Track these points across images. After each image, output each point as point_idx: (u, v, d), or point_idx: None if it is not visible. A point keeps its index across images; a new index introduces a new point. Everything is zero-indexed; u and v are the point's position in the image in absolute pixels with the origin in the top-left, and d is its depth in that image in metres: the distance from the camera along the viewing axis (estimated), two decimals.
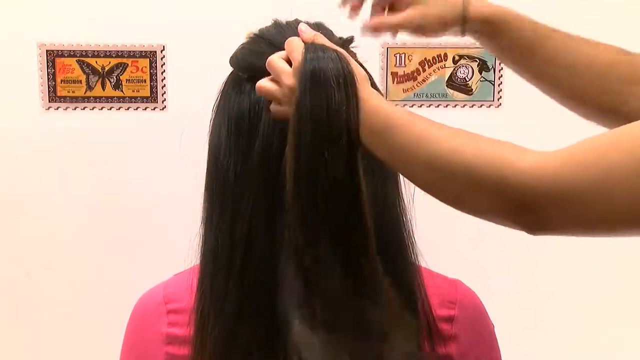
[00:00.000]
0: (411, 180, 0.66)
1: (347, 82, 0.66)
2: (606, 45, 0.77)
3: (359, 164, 0.66)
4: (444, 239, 0.64)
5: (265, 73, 0.71)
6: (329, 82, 0.65)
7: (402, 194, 0.75)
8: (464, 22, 0.75)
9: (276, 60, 0.69)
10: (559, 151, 0.57)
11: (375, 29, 0.79)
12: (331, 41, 0.70)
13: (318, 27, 0.75)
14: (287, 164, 0.66)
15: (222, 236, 0.72)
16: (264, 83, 0.70)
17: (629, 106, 0.74)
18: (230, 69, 0.78)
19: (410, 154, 0.63)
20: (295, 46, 0.69)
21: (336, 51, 0.68)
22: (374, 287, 0.66)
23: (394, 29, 0.78)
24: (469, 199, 0.61)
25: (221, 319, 0.70)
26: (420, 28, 0.76)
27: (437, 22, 0.75)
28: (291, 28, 0.75)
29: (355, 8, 0.81)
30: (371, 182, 0.71)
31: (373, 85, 0.72)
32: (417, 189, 0.67)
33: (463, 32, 0.76)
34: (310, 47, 0.68)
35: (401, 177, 0.75)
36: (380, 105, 0.66)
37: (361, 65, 0.74)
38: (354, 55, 0.76)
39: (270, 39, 0.74)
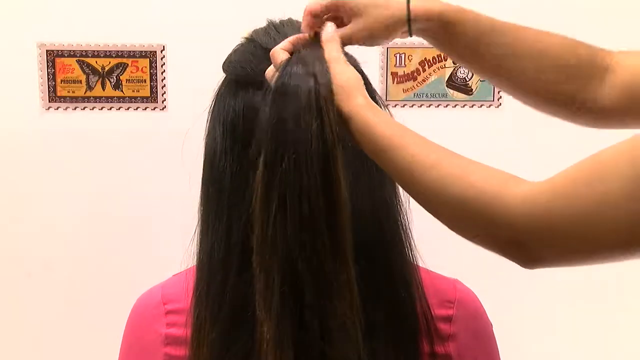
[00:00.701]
0: (411, 196, 0.66)
1: (317, 99, 0.65)
2: (561, 38, 0.75)
3: (339, 185, 0.65)
4: (442, 239, 0.64)
5: (254, 78, 0.72)
6: (297, 100, 0.65)
7: (399, 194, 0.75)
8: (409, 24, 0.71)
9: (268, 74, 0.70)
10: (548, 183, 0.57)
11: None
12: None
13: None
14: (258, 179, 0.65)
15: (217, 239, 0.72)
16: (268, 72, 0.70)
17: (585, 101, 0.74)
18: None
19: (404, 180, 0.64)
20: (274, 60, 0.69)
21: (317, 65, 0.67)
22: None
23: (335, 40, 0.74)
24: (462, 230, 0.62)
25: (217, 322, 0.70)
26: (367, 39, 0.72)
27: (383, 29, 0.71)
28: (283, 29, 0.75)
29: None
30: (367, 184, 0.71)
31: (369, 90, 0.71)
32: None
33: (410, 34, 0.73)
34: (286, 64, 0.67)
35: None
36: (370, 122, 0.64)
37: (359, 69, 0.73)
38: (349, 58, 0.74)
39: (260, 43, 0.75)
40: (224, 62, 0.77)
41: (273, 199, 0.64)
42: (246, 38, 0.77)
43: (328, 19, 0.72)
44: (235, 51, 0.77)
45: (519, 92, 0.78)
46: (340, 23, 0.72)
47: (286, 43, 0.70)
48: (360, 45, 0.72)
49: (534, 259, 0.59)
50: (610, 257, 0.56)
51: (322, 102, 0.65)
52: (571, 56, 0.74)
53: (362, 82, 0.68)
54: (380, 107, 0.75)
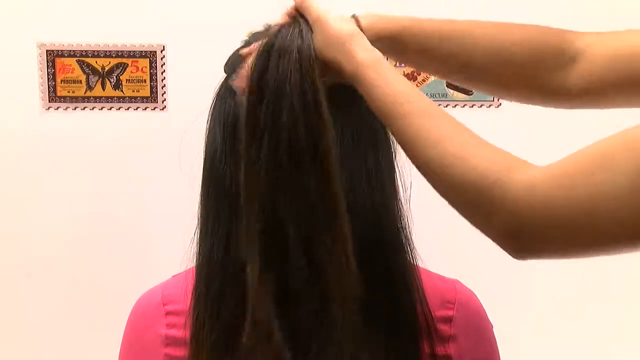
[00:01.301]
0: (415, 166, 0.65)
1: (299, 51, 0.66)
2: (521, 28, 0.74)
3: (323, 121, 0.65)
4: (442, 240, 0.64)
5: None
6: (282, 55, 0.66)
7: (399, 195, 0.75)
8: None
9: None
10: (551, 169, 0.56)
11: None
12: None
13: None
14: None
15: (217, 241, 0.72)
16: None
17: (557, 87, 0.73)
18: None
19: (408, 151, 0.63)
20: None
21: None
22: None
23: None
24: (461, 211, 0.61)
25: (216, 324, 0.70)
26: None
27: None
28: None
29: None
30: (367, 185, 0.71)
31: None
32: (414, 191, 0.67)
33: None
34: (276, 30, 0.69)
35: (399, 178, 0.75)
36: (372, 86, 0.63)
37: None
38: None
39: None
40: (226, 63, 0.77)
41: (256, 137, 0.65)
42: (248, 39, 0.77)
43: None
44: (234, 53, 0.77)
45: (498, 90, 0.77)
46: None
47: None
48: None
49: (529, 249, 0.58)
50: (613, 250, 0.55)
51: (304, 56, 0.65)
52: (535, 45, 0.73)
53: (361, 33, 0.67)
54: None
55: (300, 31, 0.67)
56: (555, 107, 0.77)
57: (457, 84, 0.80)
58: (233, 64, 0.75)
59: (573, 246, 0.56)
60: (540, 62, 0.72)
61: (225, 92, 0.76)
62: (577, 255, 0.57)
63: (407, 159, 0.64)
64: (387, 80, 0.63)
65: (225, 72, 0.77)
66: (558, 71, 0.72)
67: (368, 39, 0.67)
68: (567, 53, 0.72)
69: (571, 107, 0.77)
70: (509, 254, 0.59)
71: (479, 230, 0.60)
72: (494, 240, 0.59)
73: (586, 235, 0.55)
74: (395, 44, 0.70)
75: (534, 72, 0.73)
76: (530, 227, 0.56)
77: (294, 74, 0.65)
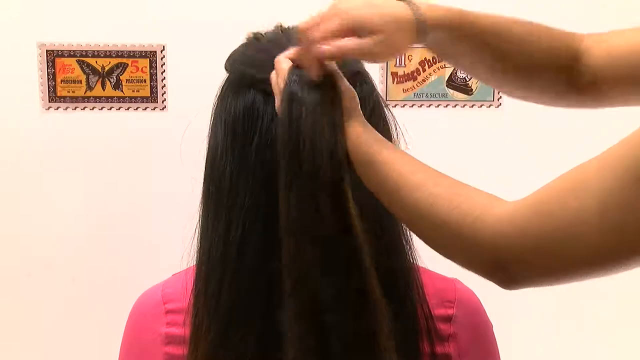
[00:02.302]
0: (395, 214, 0.66)
1: (326, 109, 0.66)
2: (548, 30, 0.75)
3: (347, 192, 0.65)
4: None
5: (257, 79, 0.72)
6: (305, 111, 0.66)
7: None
8: (421, 38, 0.68)
9: (272, 80, 0.70)
10: (526, 200, 0.56)
11: (336, 54, 0.69)
12: None
13: None
14: (280, 192, 0.66)
15: (216, 239, 0.72)
16: (272, 76, 0.71)
17: (565, 84, 0.74)
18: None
19: (390, 198, 0.64)
20: (279, 70, 0.69)
21: (322, 76, 0.67)
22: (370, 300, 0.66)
23: (353, 55, 0.70)
24: (446, 251, 0.62)
25: (214, 322, 0.70)
26: (386, 55, 0.70)
27: (398, 51, 0.69)
28: (288, 34, 0.76)
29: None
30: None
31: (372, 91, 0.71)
32: None
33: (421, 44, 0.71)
34: (292, 73, 0.68)
35: None
36: (361, 136, 0.65)
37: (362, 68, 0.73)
38: (351, 60, 0.74)
39: (267, 46, 0.75)
40: (227, 61, 0.77)
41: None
42: (251, 38, 0.77)
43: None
44: (238, 50, 0.77)
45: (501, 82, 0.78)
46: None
47: (292, 52, 0.70)
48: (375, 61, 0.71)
49: (515, 280, 0.59)
50: (590, 275, 0.55)
51: (337, 118, 0.66)
52: (556, 47, 0.74)
53: (357, 97, 0.69)
54: (383, 107, 0.76)
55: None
56: (562, 107, 0.79)
57: (485, 79, 0.80)
58: (237, 64, 0.75)
59: (555, 273, 0.57)
60: (557, 64, 0.74)
61: (227, 91, 0.75)
62: (562, 281, 0.58)
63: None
64: (372, 135, 0.66)
65: (226, 69, 0.77)
66: (568, 71, 0.73)
67: (428, 23, 0.68)
68: (576, 53, 0.73)
69: (577, 107, 0.78)
70: (500, 286, 0.60)
71: (463, 268, 0.61)
72: (483, 275, 0.60)
73: (564, 262, 0.55)
74: (454, 31, 0.70)
75: (550, 65, 0.74)
76: (510, 257, 0.57)
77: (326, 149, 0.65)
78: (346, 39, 0.66)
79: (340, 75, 0.69)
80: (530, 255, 0.56)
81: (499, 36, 0.72)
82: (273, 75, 0.70)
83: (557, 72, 0.74)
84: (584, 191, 0.53)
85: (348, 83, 0.69)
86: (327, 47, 0.66)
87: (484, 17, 0.72)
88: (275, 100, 0.69)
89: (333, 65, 0.69)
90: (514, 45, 0.72)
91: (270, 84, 0.71)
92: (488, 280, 0.60)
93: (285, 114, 0.66)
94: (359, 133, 0.66)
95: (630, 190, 0.50)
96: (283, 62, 0.69)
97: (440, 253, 0.62)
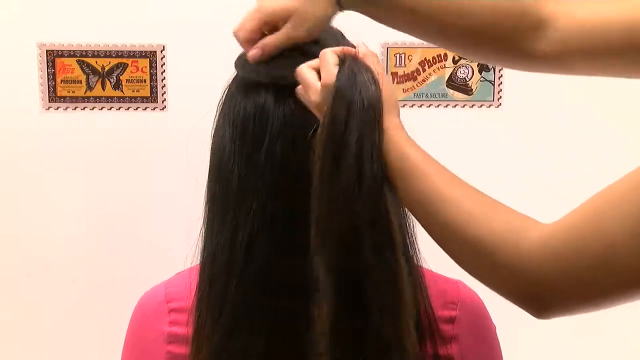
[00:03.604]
0: (424, 228, 0.65)
1: (375, 112, 0.64)
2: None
3: (387, 195, 0.64)
4: None
5: (268, 79, 0.71)
6: (356, 111, 0.64)
7: (388, 197, 0.74)
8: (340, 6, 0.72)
9: (305, 71, 0.69)
10: (560, 225, 0.55)
11: (261, 53, 0.72)
12: (340, 45, 0.70)
13: (327, 29, 0.75)
14: (314, 189, 0.65)
15: (222, 241, 0.71)
16: (299, 90, 0.70)
17: (526, 49, 0.74)
18: (233, 69, 0.77)
19: (423, 210, 0.63)
20: (327, 61, 0.67)
21: (371, 73, 0.66)
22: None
23: (278, 47, 0.73)
24: (476, 273, 0.61)
25: (218, 325, 0.70)
26: (306, 36, 0.72)
27: (319, 22, 0.72)
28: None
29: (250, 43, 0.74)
30: None
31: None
32: None
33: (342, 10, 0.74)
34: (344, 69, 0.66)
35: None
36: (401, 144, 0.64)
37: None
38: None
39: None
40: (238, 59, 0.76)
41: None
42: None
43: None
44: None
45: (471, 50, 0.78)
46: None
47: (338, 49, 0.69)
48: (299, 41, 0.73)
49: (549, 308, 0.58)
50: (627, 299, 0.54)
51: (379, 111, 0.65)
52: (510, 9, 0.73)
53: (396, 96, 0.68)
54: None
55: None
56: (524, 70, 0.79)
57: (435, 42, 0.80)
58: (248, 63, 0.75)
59: (591, 299, 0.56)
60: (513, 25, 0.73)
61: (235, 90, 0.74)
62: (599, 308, 0.57)
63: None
64: (412, 143, 0.65)
65: (235, 67, 0.76)
66: (528, 35, 0.73)
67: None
68: (535, 18, 0.73)
69: (539, 71, 0.78)
70: (532, 315, 0.59)
71: (496, 292, 0.60)
72: (514, 302, 0.59)
73: (601, 287, 0.54)
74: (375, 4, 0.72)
75: (507, 35, 0.74)
76: (545, 285, 0.56)
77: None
78: (268, 36, 0.72)
79: (383, 73, 0.68)
80: (567, 283, 0.55)
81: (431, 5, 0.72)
82: (304, 68, 0.69)
83: (511, 35, 0.74)
84: (614, 216, 0.52)
85: (390, 83, 0.68)
86: (252, 52, 0.72)
87: None
88: (306, 90, 0.68)
89: (378, 62, 0.69)
90: (454, 15, 0.73)
91: (282, 83, 0.71)
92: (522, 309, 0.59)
93: (335, 110, 0.64)
94: (398, 136, 0.65)
95: None
96: (329, 54, 0.68)
97: (470, 273, 0.61)
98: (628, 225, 0.51)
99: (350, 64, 0.67)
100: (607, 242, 0.52)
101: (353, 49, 0.69)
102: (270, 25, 0.73)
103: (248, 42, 0.73)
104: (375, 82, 0.66)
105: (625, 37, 0.67)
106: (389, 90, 0.67)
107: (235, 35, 0.74)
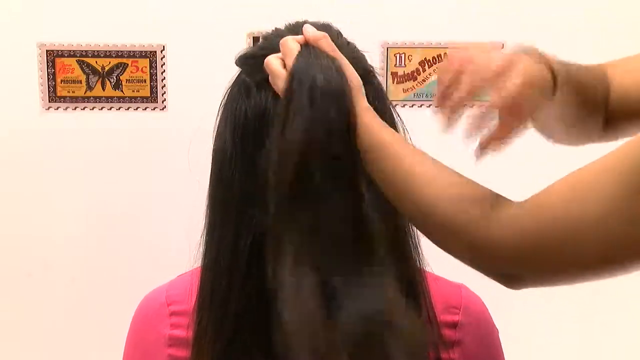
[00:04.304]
0: (399, 209, 0.65)
1: (336, 94, 0.65)
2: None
3: (358, 176, 0.65)
4: None
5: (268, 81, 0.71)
6: (315, 93, 0.64)
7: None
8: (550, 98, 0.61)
9: (272, 61, 0.69)
10: (529, 203, 0.56)
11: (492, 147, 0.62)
12: (336, 43, 0.70)
13: (325, 28, 0.74)
14: (274, 174, 0.65)
15: (224, 245, 0.71)
16: (270, 80, 0.69)
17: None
18: (234, 69, 0.77)
19: (395, 189, 0.63)
20: (288, 49, 0.68)
21: (331, 58, 0.66)
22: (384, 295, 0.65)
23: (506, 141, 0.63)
24: (449, 249, 0.62)
25: (219, 330, 0.69)
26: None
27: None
28: (298, 31, 0.74)
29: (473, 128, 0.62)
30: (375, 188, 0.70)
31: (372, 92, 0.70)
32: None
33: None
34: (302, 53, 0.66)
35: None
36: (371, 124, 0.65)
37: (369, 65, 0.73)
38: (362, 57, 0.74)
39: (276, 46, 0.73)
40: (239, 59, 0.76)
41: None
42: (263, 37, 0.76)
43: None
44: (251, 49, 0.76)
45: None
46: None
47: (299, 37, 0.69)
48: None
49: (518, 281, 0.60)
50: (592, 278, 0.56)
51: (348, 98, 0.65)
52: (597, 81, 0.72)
53: (362, 84, 0.68)
54: (390, 107, 0.75)
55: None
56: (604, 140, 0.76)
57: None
58: (250, 62, 0.74)
59: (557, 276, 0.58)
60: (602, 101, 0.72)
61: (236, 93, 0.74)
62: (565, 283, 0.58)
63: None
64: (384, 126, 0.65)
65: (237, 65, 0.76)
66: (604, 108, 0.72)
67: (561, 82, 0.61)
68: (608, 86, 0.72)
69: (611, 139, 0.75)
70: (502, 285, 0.60)
71: (468, 267, 0.61)
72: (485, 274, 0.60)
73: (568, 266, 0.56)
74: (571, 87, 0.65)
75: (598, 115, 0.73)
76: (514, 260, 0.57)
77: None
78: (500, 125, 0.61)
79: (345, 60, 0.68)
80: (534, 259, 0.56)
81: (586, 87, 0.69)
82: (271, 58, 0.69)
83: (600, 112, 0.72)
84: (586, 197, 0.53)
85: (353, 69, 0.68)
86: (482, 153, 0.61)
87: (575, 68, 0.67)
88: (274, 80, 0.68)
89: (335, 49, 0.68)
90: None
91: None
92: (492, 280, 0.60)
93: (295, 95, 0.65)
94: (369, 119, 0.65)
95: (631, 201, 0.50)
96: (291, 42, 0.68)
97: (445, 251, 0.62)
98: (599, 207, 0.51)
99: (310, 49, 0.67)
100: (576, 223, 0.53)
101: (313, 36, 0.69)
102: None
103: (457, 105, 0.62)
104: (335, 65, 0.66)
105: None
106: (353, 73, 0.67)
107: (441, 84, 0.62)
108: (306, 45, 0.68)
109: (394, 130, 0.66)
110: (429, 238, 0.63)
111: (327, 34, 0.69)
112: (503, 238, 0.56)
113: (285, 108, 0.65)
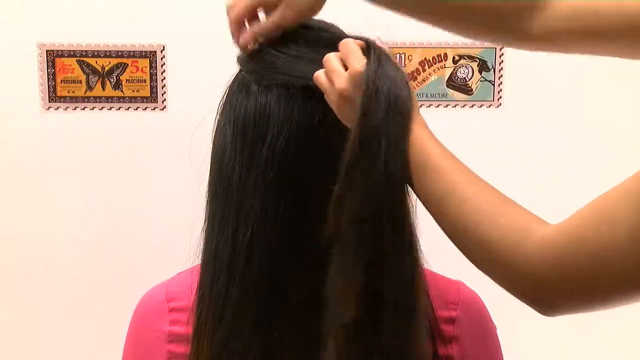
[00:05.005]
0: (438, 224, 0.65)
1: (407, 110, 0.65)
2: None
3: (407, 196, 0.65)
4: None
5: (272, 77, 0.71)
6: (391, 107, 0.64)
7: (407, 195, 0.74)
8: None
9: (332, 59, 0.68)
10: (563, 227, 0.56)
11: (250, 40, 0.74)
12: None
13: (331, 27, 0.75)
14: (340, 177, 0.64)
15: (223, 241, 0.71)
16: (322, 76, 0.69)
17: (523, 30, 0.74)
18: (234, 69, 0.77)
19: (438, 207, 0.63)
20: (352, 49, 0.67)
21: (396, 65, 0.66)
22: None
23: (270, 30, 0.74)
24: (484, 269, 0.61)
25: (219, 324, 0.70)
26: (297, 18, 0.72)
27: (299, 8, 0.72)
28: (310, 30, 0.75)
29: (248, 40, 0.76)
30: None
31: None
32: None
33: None
34: (375, 58, 0.66)
35: None
36: (424, 140, 0.64)
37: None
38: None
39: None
40: (240, 56, 0.76)
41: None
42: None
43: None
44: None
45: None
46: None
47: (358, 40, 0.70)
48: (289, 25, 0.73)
49: (553, 307, 0.59)
50: (626, 301, 0.55)
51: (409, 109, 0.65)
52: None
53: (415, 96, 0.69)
54: None
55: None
56: (518, 48, 0.79)
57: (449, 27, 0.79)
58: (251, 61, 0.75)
59: (593, 300, 0.57)
60: (515, 7, 0.73)
61: (237, 89, 0.74)
62: (601, 308, 0.57)
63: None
64: (434, 140, 0.65)
65: (238, 63, 0.76)
66: (527, 17, 0.73)
67: None
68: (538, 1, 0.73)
69: (536, 50, 0.78)
70: (537, 311, 0.60)
71: (505, 290, 0.61)
72: (519, 299, 0.60)
73: (601, 289, 0.55)
74: None
75: (508, 17, 0.74)
76: (548, 285, 0.57)
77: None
78: (256, 23, 0.74)
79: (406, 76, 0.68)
80: (568, 283, 0.56)
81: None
82: (331, 55, 0.68)
83: (510, 12, 0.74)
84: (614, 219, 0.52)
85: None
86: (242, 40, 0.74)
87: None
88: (331, 76, 0.67)
89: (396, 62, 0.68)
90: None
91: (283, 82, 0.70)
92: (529, 307, 0.60)
93: (367, 107, 0.64)
94: (423, 135, 0.65)
95: None
96: (352, 42, 0.68)
97: (482, 270, 0.62)
98: (628, 229, 0.51)
99: (377, 53, 0.67)
100: (607, 244, 0.52)
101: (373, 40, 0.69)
102: (255, 10, 0.74)
103: (238, 22, 0.74)
104: (402, 75, 0.66)
105: (623, 21, 0.66)
106: (410, 84, 0.68)
107: (228, 11, 0.75)
108: (369, 48, 0.67)
109: (441, 144, 0.65)
110: (466, 256, 0.63)
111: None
112: (535, 261, 0.56)
113: (362, 110, 0.64)
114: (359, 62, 0.66)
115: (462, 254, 0.63)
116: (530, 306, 0.60)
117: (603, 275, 0.54)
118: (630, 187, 0.53)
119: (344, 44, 0.68)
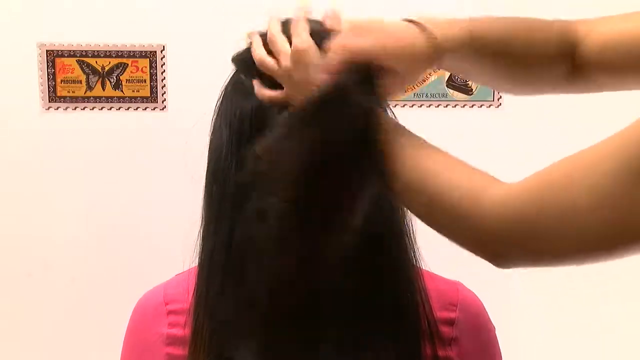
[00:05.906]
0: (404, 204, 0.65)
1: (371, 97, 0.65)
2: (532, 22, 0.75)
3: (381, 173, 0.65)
4: (445, 241, 0.63)
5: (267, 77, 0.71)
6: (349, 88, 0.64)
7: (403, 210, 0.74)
8: (435, 65, 0.67)
9: (277, 35, 0.68)
10: (522, 186, 0.57)
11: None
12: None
13: (319, 24, 0.75)
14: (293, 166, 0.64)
15: (219, 241, 0.71)
16: (263, 56, 0.68)
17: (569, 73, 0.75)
18: (231, 69, 0.77)
19: (404, 184, 0.64)
20: (300, 30, 0.67)
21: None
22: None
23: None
24: (441, 229, 0.62)
25: (216, 327, 0.70)
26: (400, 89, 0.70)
27: (403, 86, 0.70)
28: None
29: None
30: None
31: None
32: None
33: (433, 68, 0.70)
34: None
35: None
36: (392, 127, 0.65)
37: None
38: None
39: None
40: (235, 57, 0.76)
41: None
42: (262, 34, 0.76)
43: None
44: (247, 48, 0.76)
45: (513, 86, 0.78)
46: None
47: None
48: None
49: (505, 260, 0.60)
50: (580, 262, 0.57)
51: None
52: (556, 40, 0.73)
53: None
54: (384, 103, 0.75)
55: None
56: (573, 92, 0.79)
57: (506, 87, 0.79)
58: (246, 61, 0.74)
59: (545, 258, 0.58)
60: (559, 55, 0.74)
61: (232, 90, 0.74)
62: (552, 265, 0.59)
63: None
64: (400, 125, 0.66)
65: (233, 62, 0.76)
66: (567, 61, 0.74)
67: (443, 51, 0.65)
68: (574, 43, 0.73)
69: (568, 92, 0.78)
70: (491, 263, 0.61)
71: (457, 245, 0.62)
72: (472, 252, 0.61)
73: (556, 249, 0.56)
74: (467, 51, 0.68)
75: (555, 66, 0.74)
76: (502, 239, 0.58)
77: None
78: None
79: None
80: (522, 240, 0.57)
81: (508, 44, 0.71)
82: (275, 30, 0.68)
83: (559, 63, 0.74)
84: (577, 185, 0.53)
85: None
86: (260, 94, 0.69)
87: (489, 28, 0.70)
88: (280, 57, 0.67)
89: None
90: (520, 50, 0.72)
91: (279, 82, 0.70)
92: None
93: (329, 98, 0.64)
94: (392, 124, 0.66)
95: (623, 189, 0.50)
96: (302, 25, 0.67)
97: (436, 230, 0.62)
98: (594, 196, 0.52)
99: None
100: (567, 209, 0.53)
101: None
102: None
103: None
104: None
105: None
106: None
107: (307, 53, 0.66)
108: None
109: (408, 130, 0.66)
110: (421, 219, 0.64)
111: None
112: (493, 216, 0.57)
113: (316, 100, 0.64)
114: (302, 40, 0.66)
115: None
116: (484, 258, 0.60)
117: (559, 238, 0.54)
118: (601, 155, 0.53)
119: (294, 24, 0.68)
